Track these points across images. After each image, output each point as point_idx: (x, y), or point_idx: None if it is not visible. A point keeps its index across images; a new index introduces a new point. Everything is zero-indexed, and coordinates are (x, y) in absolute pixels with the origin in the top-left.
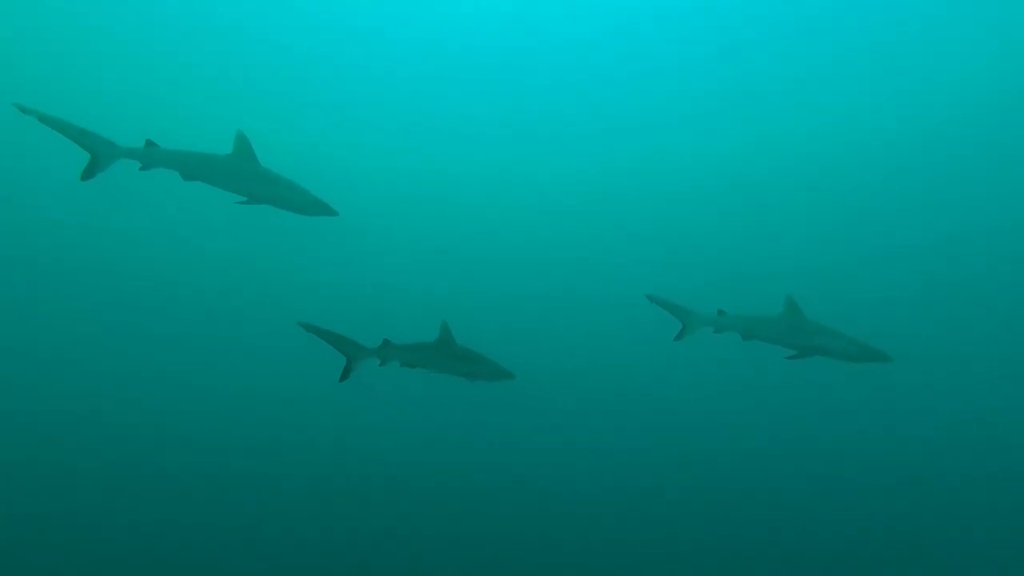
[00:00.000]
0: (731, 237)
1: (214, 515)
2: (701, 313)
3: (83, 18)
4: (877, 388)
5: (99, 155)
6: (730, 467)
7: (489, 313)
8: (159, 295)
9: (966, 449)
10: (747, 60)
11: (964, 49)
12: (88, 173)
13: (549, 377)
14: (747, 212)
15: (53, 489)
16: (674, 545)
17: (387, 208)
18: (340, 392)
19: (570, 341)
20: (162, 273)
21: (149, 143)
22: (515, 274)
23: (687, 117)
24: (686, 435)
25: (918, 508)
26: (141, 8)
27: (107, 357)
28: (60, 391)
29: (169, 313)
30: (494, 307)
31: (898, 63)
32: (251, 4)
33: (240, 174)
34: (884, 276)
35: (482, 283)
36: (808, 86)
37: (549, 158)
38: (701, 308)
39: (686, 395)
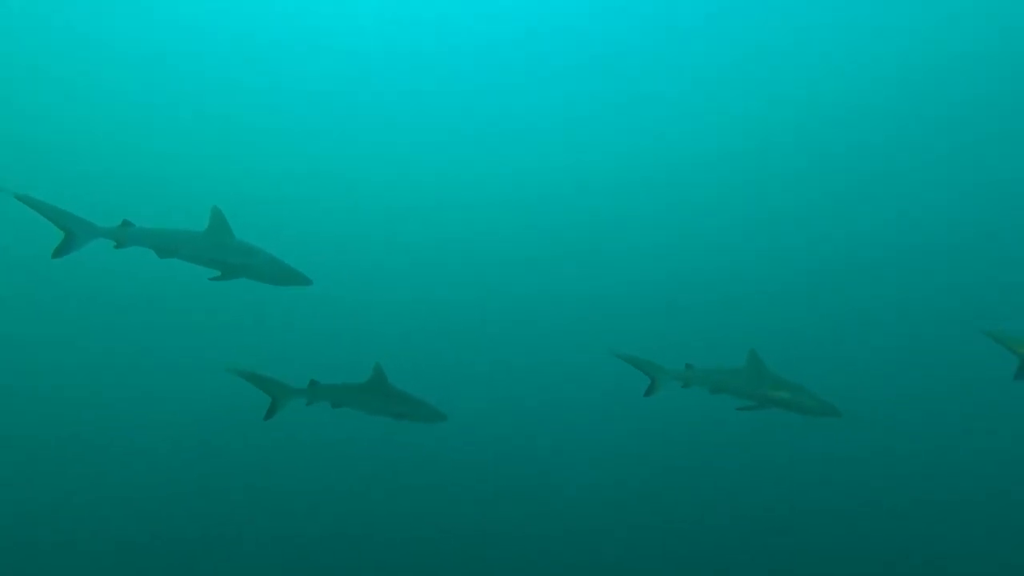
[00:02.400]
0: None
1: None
2: (669, 368)
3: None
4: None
5: (75, 234)
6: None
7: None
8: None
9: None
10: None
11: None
12: (61, 251)
13: None
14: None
15: None
16: None
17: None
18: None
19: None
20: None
21: (125, 223)
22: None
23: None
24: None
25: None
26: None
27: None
28: None
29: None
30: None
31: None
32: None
33: (216, 249)
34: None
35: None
36: None
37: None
38: (668, 363)
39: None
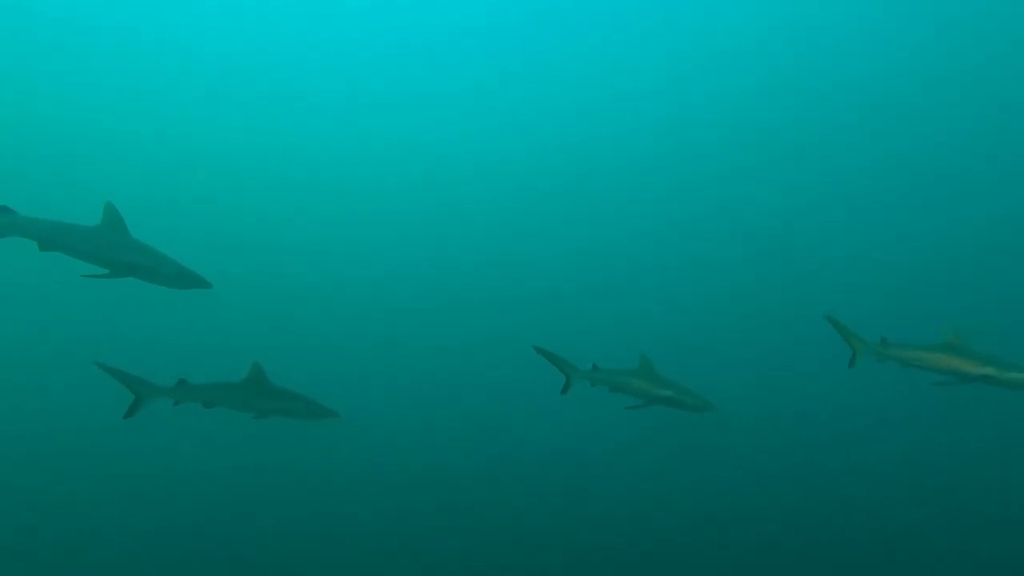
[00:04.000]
0: None
1: None
2: (580, 368)
3: None
4: None
5: None
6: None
7: None
8: None
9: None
10: None
11: None
12: None
13: None
14: None
15: None
16: None
17: None
18: None
19: None
20: None
21: (5, 209)
22: None
23: None
24: None
25: None
26: None
27: None
28: None
29: None
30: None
31: None
32: None
33: (107, 246)
34: None
35: None
36: None
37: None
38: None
39: None
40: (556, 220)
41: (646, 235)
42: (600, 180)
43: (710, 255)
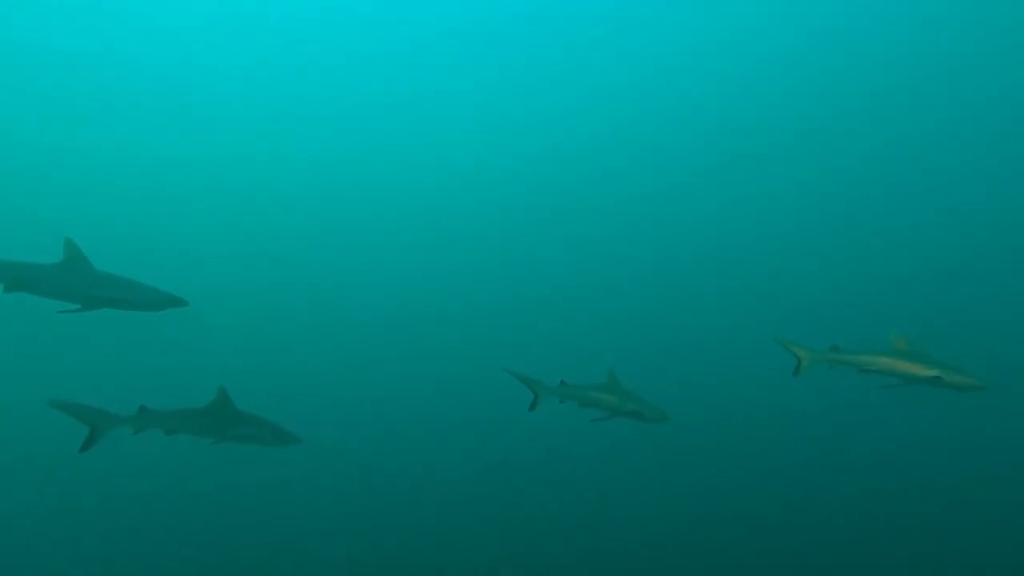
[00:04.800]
0: None
1: None
2: (549, 385)
3: None
4: None
5: None
6: None
7: None
8: None
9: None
10: None
11: None
12: None
13: None
14: None
15: None
16: None
17: None
18: None
19: None
20: None
21: None
22: None
23: None
24: None
25: None
26: None
27: None
28: None
29: None
30: None
31: None
32: None
33: (76, 282)
34: None
35: None
36: None
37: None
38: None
39: None
40: (531, 229)
41: (635, 237)
42: (574, 192)
43: (704, 255)
